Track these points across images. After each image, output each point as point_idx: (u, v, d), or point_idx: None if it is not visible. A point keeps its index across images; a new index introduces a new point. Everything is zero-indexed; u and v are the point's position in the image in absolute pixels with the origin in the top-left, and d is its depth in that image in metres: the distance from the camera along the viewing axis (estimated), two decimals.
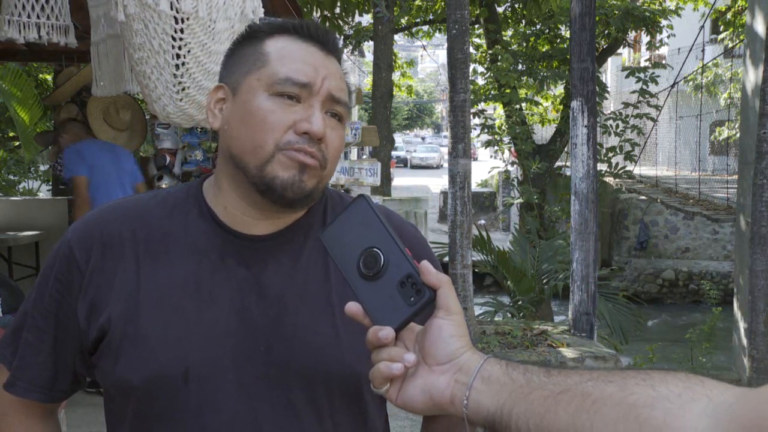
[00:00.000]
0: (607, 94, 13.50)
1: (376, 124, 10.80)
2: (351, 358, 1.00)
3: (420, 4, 14.51)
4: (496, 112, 13.40)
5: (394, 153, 25.37)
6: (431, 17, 14.70)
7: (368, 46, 16.06)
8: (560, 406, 0.68)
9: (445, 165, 9.56)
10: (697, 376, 0.65)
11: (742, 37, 10.61)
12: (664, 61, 13.90)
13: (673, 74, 14.02)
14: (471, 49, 9.37)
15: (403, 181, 27.56)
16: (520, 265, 7.34)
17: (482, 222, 18.20)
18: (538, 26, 12.75)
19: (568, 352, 4.93)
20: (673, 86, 14.33)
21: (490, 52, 12.39)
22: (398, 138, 43.14)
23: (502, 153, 12.23)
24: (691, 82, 18.22)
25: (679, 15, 12.39)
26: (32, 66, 9.78)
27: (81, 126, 4.92)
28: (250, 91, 1.00)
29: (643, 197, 14.46)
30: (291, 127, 0.98)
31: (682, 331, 8.93)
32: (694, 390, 0.63)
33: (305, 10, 6.50)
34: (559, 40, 12.46)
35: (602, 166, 11.11)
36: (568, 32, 8.02)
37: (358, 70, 28.84)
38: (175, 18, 2.36)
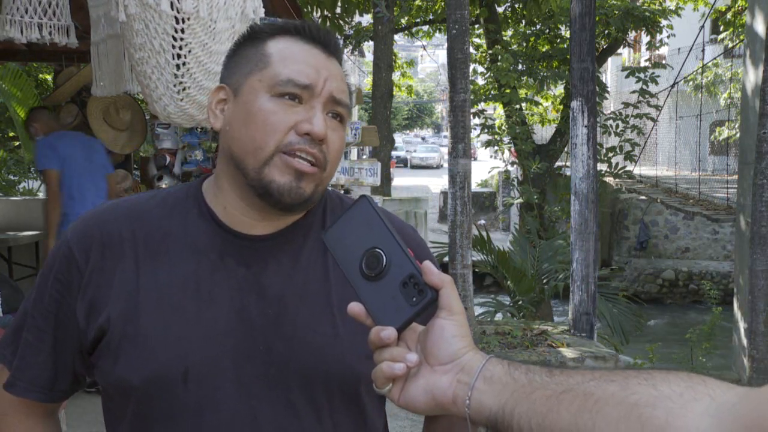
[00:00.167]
0: (607, 94, 13.50)
1: (376, 124, 10.80)
2: (351, 357, 1.00)
3: (420, 4, 14.51)
4: (496, 112, 13.41)
5: (394, 153, 25.37)
6: (431, 17, 14.70)
7: (368, 46, 16.07)
8: (562, 405, 0.68)
9: (445, 165, 9.56)
10: (699, 375, 0.65)
11: (742, 37, 10.61)
12: (664, 61, 13.91)
13: (673, 74, 14.02)
14: (471, 49, 9.37)
15: (403, 181, 27.56)
16: (520, 265, 7.34)
17: (482, 222, 18.21)
18: (538, 26, 12.76)
19: (568, 352, 4.93)
20: (673, 86, 14.34)
21: (490, 52, 12.39)
22: (398, 138, 43.14)
23: (502, 153, 12.24)
24: (691, 82, 18.22)
25: (679, 15, 12.39)
26: (32, 66, 9.77)
27: (51, 115, 4.93)
28: (252, 92, 1.00)
29: (643, 197, 14.46)
30: (292, 128, 0.98)
31: (682, 331, 8.92)
32: (696, 389, 0.63)
33: (305, 10, 6.50)
34: (559, 40, 12.46)
35: (602, 166, 11.12)
36: (568, 32, 8.02)
37: (358, 70, 28.83)
38: (176, 18, 2.37)
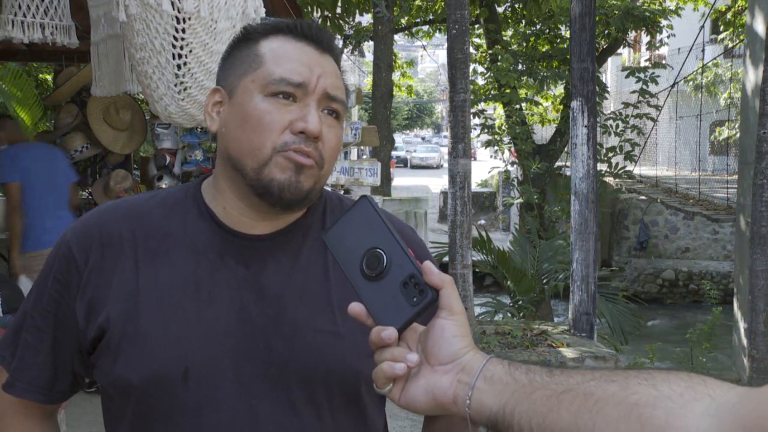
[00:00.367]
0: (607, 94, 13.50)
1: (376, 124, 10.80)
2: (351, 357, 1.00)
3: (420, 4, 14.51)
4: (496, 112, 13.41)
5: (394, 153, 25.37)
6: (431, 17, 14.71)
7: (368, 46, 16.07)
8: (562, 405, 0.68)
9: (445, 165, 9.56)
10: (699, 375, 0.65)
11: (742, 37, 10.61)
12: (664, 61, 13.91)
13: (673, 74, 14.03)
14: (471, 49, 9.37)
15: (403, 181, 27.56)
16: (520, 265, 7.34)
17: (482, 222, 18.21)
18: (538, 26, 12.76)
19: (568, 352, 4.93)
20: (673, 86, 14.34)
21: (490, 52, 12.39)
22: (398, 138, 43.14)
23: (502, 153, 12.23)
24: (691, 82, 18.23)
25: (679, 15, 12.39)
26: (32, 66, 9.78)
27: (16, 124, 4.96)
28: (246, 93, 1.00)
29: (643, 197, 14.46)
30: (287, 127, 0.98)
31: (682, 331, 8.93)
32: (696, 389, 0.63)
33: (305, 10, 6.50)
34: (559, 40, 12.46)
35: (602, 166, 11.12)
36: (568, 32, 8.02)
37: (358, 70, 28.84)
38: (177, 18, 2.37)
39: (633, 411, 0.64)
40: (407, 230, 1.16)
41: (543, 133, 16.81)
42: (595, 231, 5.23)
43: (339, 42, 13.28)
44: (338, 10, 7.62)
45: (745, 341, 6.10)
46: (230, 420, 0.97)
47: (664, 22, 12.05)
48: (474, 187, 18.17)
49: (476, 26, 13.21)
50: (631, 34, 14.15)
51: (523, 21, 13.23)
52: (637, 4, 12.62)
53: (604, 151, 11.65)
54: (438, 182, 24.73)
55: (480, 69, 12.92)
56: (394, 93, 15.05)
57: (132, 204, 1.08)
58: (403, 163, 39.37)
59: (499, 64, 11.18)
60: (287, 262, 1.04)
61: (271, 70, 1.00)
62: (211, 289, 1.00)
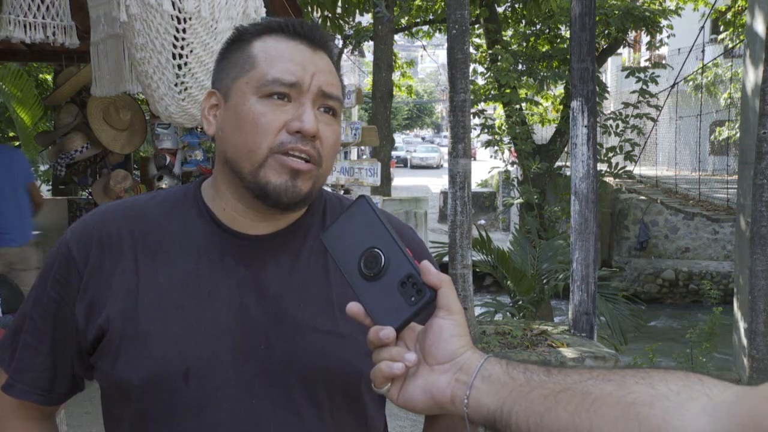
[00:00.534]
0: (607, 94, 13.50)
1: (376, 124, 10.80)
2: (351, 356, 1.00)
3: (420, 4, 14.52)
4: (496, 112, 13.41)
5: (394, 153, 25.37)
6: (431, 17, 14.72)
7: (368, 46, 16.07)
8: (560, 404, 0.68)
9: (445, 165, 9.55)
10: (696, 374, 0.65)
11: (742, 37, 10.61)
12: (664, 61, 13.91)
13: (673, 74, 14.03)
14: (471, 49, 9.37)
15: (403, 181, 27.55)
16: (520, 265, 7.34)
17: (482, 222, 18.21)
18: (538, 26, 12.76)
19: (568, 352, 4.93)
20: (673, 86, 14.35)
21: (490, 52, 12.39)
22: (398, 138, 43.12)
23: (502, 153, 12.23)
24: (691, 82, 18.23)
25: (679, 15, 12.40)
26: (32, 66, 9.78)
27: None
28: (240, 96, 1.00)
29: (643, 197, 14.46)
30: (283, 127, 0.98)
31: (682, 331, 8.93)
32: (693, 388, 0.63)
33: (305, 10, 6.50)
34: (559, 40, 12.46)
35: (602, 166, 11.11)
36: (568, 32, 8.02)
37: (358, 70, 28.83)
38: (178, 18, 2.37)
39: (630, 410, 0.64)
40: (407, 230, 1.16)
41: (543, 133, 16.80)
42: (595, 231, 5.23)
43: (338, 42, 13.28)
44: (338, 10, 7.62)
45: (745, 341, 6.10)
46: (231, 419, 0.97)
47: (664, 22, 12.05)
48: (474, 187, 18.18)
49: (476, 26, 13.22)
50: (631, 34, 14.15)
51: (523, 21, 13.23)
52: (637, 4, 12.62)
53: (604, 151, 11.64)
54: (438, 182, 24.72)
55: (480, 69, 12.92)
56: (394, 93, 15.06)
57: (132, 204, 1.08)
58: (403, 163, 39.36)
59: (499, 64, 11.18)
60: (288, 261, 1.04)
61: (264, 71, 0.99)
62: (211, 288, 1.00)
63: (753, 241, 5.39)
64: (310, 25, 1.04)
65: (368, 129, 5.42)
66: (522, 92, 11.75)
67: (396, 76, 17.06)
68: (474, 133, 11.21)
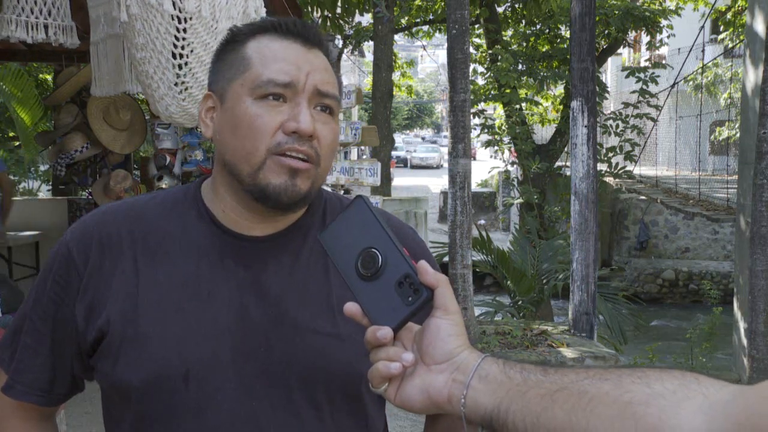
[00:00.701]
0: (607, 94, 13.50)
1: (376, 124, 10.80)
2: (351, 357, 1.00)
3: (420, 4, 14.52)
4: (496, 112, 13.40)
5: (394, 153, 25.37)
6: (431, 17, 14.71)
7: (368, 46, 16.07)
8: (556, 404, 0.68)
9: (445, 165, 9.55)
10: (692, 373, 0.65)
11: (742, 37, 10.61)
12: (664, 61, 13.91)
13: (673, 74, 14.03)
14: (471, 49, 9.37)
15: (403, 181, 27.56)
16: (520, 265, 7.34)
17: (482, 222, 18.21)
18: (538, 26, 12.75)
19: (568, 352, 4.93)
20: (673, 86, 14.35)
21: (490, 52, 12.39)
22: (398, 138, 43.12)
23: (502, 153, 12.23)
24: (691, 82, 18.23)
25: (679, 15, 12.39)
26: (32, 66, 9.79)
27: None
28: (236, 98, 1.00)
29: (643, 197, 14.46)
30: (279, 128, 0.97)
31: (682, 331, 8.93)
32: (690, 387, 0.63)
33: (305, 10, 6.50)
34: (559, 40, 12.45)
35: (602, 166, 11.11)
36: (568, 32, 8.02)
37: (358, 70, 28.83)
38: (178, 18, 2.37)
39: (627, 409, 0.64)
40: (407, 230, 1.15)
41: (543, 133, 16.80)
42: (595, 231, 5.23)
43: (338, 42, 13.27)
44: (338, 10, 7.62)
45: (745, 341, 6.10)
46: (231, 421, 0.97)
47: (664, 22, 12.05)
48: (474, 187, 18.17)
49: (476, 26, 13.21)
50: (631, 34, 14.15)
51: (523, 21, 13.23)
52: (637, 4, 12.62)
53: (604, 151, 11.64)
54: (438, 182, 24.73)
55: (480, 69, 12.92)
56: (394, 93, 15.05)
57: (132, 205, 1.08)
58: (403, 163, 39.37)
59: (499, 64, 11.18)
60: (288, 262, 1.04)
61: (259, 72, 0.99)
62: (211, 290, 1.00)
63: (753, 241, 5.39)
64: (303, 24, 1.03)
65: (368, 129, 5.41)
66: (522, 92, 11.75)
67: (396, 76, 17.06)
68: (474, 133, 11.21)
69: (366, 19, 15.07)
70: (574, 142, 5.21)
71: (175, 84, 2.47)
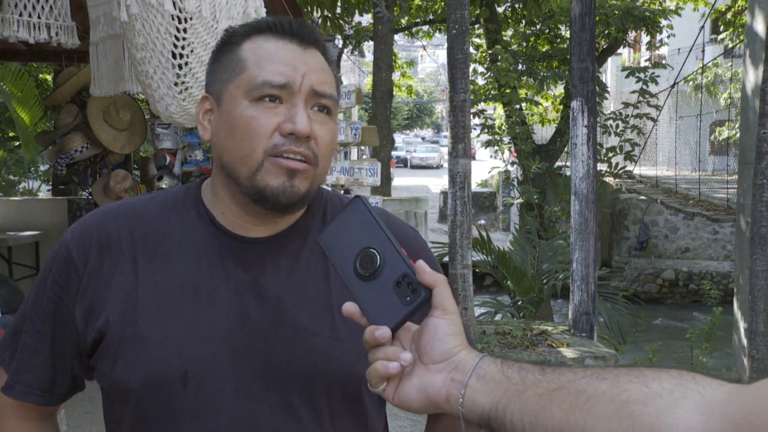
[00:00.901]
0: (607, 94, 13.50)
1: (376, 124, 10.80)
2: (350, 359, 0.99)
3: (420, 4, 14.52)
4: (496, 112, 13.40)
5: (394, 153, 25.37)
6: (431, 17, 14.72)
7: (368, 46, 16.07)
8: (554, 403, 0.68)
9: (445, 165, 9.55)
10: (689, 372, 0.65)
11: (742, 37, 10.61)
12: (664, 61, 13.91)
13: (673, 74, 14.03)
14: (471, 49, 9.37)
15: (403, 181, 27.56)
16: (520, 265, 7.34)
17: (482, 222, 18.21)
18: (538, 26, 12.76)
19: (568, 352, 4.93)
20: (673, 86, 14.35)
21: (490, 52, 12.39)
22: (398, 138, 43.12)
23: (502, 153, 12.23)
24: (691, 82, 18.23)
25: (679, 15, 12.39)
26: (32, 66, 9.79)
27: None
28: (232, 100, 0.99)
29: (643, 197, 14.46)
30: (276, 129, 0.97)
31: (682, 331, 8.93)
32: (687, 387, 0.63)
33: (305, 10, 6.50)
34: (559, 40, 12.46)
35: (602, 166, 11.11)
36: (568, 32, 8.02)
37: (358, 70, 28.83)
38: (179, 17, 2.37)
39: (624, 408, 0.64)
40: (408, 230, 1.15)
41: (543, 133, 16.80)
42: (595, 231, 5.23)
43: (338, 42, 13.27)
44: (338, 10, 7.62)
45: (745, 341, 6.10)
46: (230, 423, 0.97)
47: (664, 22, 12.05)
48: (474, 187, 18.17)
49: (476, 26, 13.22)
50: (631, 34, 14.15)
51: (523, 21, 13.23)
52: (637, 4, 12.62)
53: (604, 151, 11.64)
54: (438, 182, 24.72)
55: (480, 69, 12.92)
56: (394, 93, 15.05)
57: (132, 205, 1.08)
58: (403, 163, 39.36)
59: (499, 64, 11.18)
60: (287, 264, 1.03)
61: (254, 74, 0.98)
62: (210, 291, 1.00)
63: (753, 241, 5.39)
64: (299, 23, 1.02)
65: (368, 129, 5.41)
66: (522, 92, 11.75)
67: (396, 76, 17.06)
68: (474, 133, 11.22)
69: (366, 19, 15.08)
70: (574, 142, 5.21)
71: (175, 84, 2.47)
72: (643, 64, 19.05)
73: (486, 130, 11.88)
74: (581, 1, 5.10)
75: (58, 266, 1.04)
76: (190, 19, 2.39)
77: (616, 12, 11.50)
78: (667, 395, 0.63)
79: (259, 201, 0.98)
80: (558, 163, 12.89)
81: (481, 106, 12.20)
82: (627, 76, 12.31)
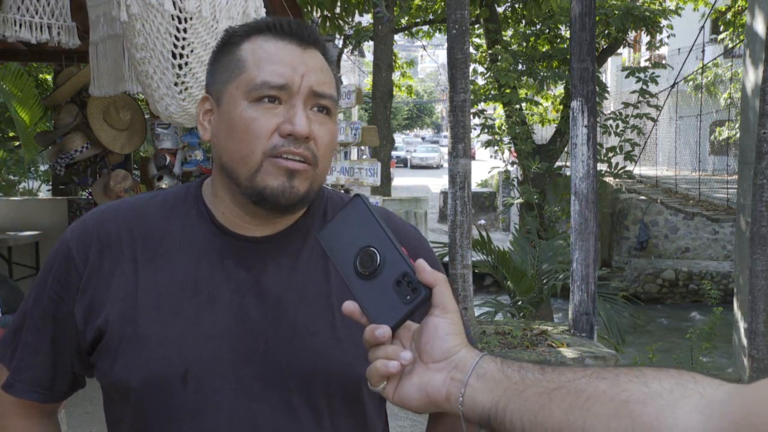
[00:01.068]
0: (607, 94, 13.50)
1: (376, 124, 10.81)
2: (350, 359, 0.99)
3: (420, 4, 14.53)
4: (496, 112, 13.41)
5: (394, 153, 25.38)
6: (431, 17, 14.72)
7: (368, 46, 16.08)
8: (554, 402, 0.68)
9: (445, 165, 9.55)
10: (689, 372, 0.65)
11: (742, 37, 10.61)
12: (664, 61, 13.92)
13: (673, 74, 14.03)
14: (471, 49, 9.37)
15: (403, 181, 27.56)
16: (520, 265, 7.34)
17: (482, 222, 18.21)
18: (538, 26, 12.76)
19: (568, 352, 4.94)
20: (673, 86, 14.35)
21: (490, 52, 12.40)
22: (398, 138, 43.13)
23: (502, 153, 12.24)
24: (691, 82, 18.24)
25: (679, 15, 12.40)
26: (32, 66, 9.79)
27: None
28: (231, 101, 0.99)
29: (643, 197, 14.46)
30: (275, 130, 0.97)
31: (682, 331, 8.93)
32: (686, 387, 0.63)
33: (305, 10, 6.50)
34: (559, 40, 12.46)
35: (602, 166, 11.12)
36: (568, 32, 8.02)
37: (358, 70, 28.84)
38: (179, 17, 2.37)
39: (623, 408, 0.64)
40: (408, 229, 1.15)
41: (543, 133, 16.80)
42: (595, 231, 5.23)
43: (338, 42, 13.27)
44: (338, 10, 7.62)
45: (745, 341, 6.10)
46: (229, 422, 0.97)
47: (664, 22, 12.05)
48: (474, 187, 18.18)
49: (476, 26, 13.22)
50: (631, 34, 14.16)
51: (523, 21, 13.24)
52: (637, 4, 12.62)
53: (604, 151, 11.65)
54: (438, 182, 24.73)
55: (480, 69, 12.93)
56: (394, 93, 15.06)
57: (132, 204, 1.08)
58: (403, 163, 39.37)
59: (499, 64, 11.18)
60: (287, 263, 1.03)
61: (253, 74, 0.98)
62: (210, 290, 1.00)
63: (753, 241, 5.39)
64: (299, 23, 1.02)
65: (368, 129, 5.41)
66: (522, 92, 11.75)
67: (396, 76, 17.07)
68: (474, 133, 11.22)
69: (366, 19, 15.08)
70: (574, 142, 5.21)
71: (175, 84, 2.47)
72: (643, 64, 19.05)
73: (486, 130, 11.88)
74: (581, 1, 5.10)
75: (58, 265, 1.04)
76: (190, 19, 2.39)
77: (616, 12, 11.50)
78: (667, 395, 0.63)
79: (259, 202, 0.98)
80: (558, 163, 12.89)
81: (481, 106, 12.21)
82: (627, 76, 12.31)
